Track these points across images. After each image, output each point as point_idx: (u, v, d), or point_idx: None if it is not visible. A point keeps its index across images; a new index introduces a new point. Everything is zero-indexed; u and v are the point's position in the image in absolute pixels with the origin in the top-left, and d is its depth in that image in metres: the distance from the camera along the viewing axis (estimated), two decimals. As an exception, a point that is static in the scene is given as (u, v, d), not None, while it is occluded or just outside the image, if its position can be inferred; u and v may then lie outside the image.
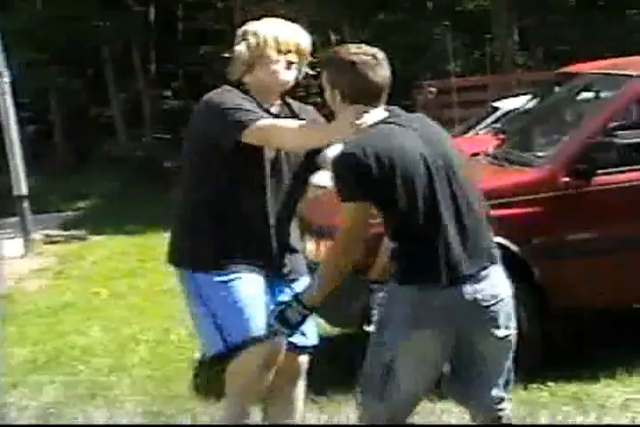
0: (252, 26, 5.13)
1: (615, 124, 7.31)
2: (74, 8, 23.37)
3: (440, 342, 4.52)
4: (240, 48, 5.04)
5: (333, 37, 23.08)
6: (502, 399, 4.66)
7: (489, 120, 12.63)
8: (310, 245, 7.37)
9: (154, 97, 27.04)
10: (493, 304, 4.51)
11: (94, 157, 25.22)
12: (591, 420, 6.16)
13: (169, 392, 7.32)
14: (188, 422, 6.63)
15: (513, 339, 4.67)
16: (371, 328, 4.93)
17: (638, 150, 7.30)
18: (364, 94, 4.56)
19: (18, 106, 15.61)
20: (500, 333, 4.56)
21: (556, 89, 9.04)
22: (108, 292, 11.23)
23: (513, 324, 4.64)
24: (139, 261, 13.08)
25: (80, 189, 22.02)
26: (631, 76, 7.48)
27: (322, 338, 7.89)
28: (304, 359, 5.44)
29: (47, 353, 8.77)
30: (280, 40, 5.06)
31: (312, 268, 7.24)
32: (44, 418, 6.98)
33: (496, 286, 4.55)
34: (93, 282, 11.99)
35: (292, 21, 5.14)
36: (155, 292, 10.91)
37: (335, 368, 7.29)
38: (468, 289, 4.44)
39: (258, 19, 5.11)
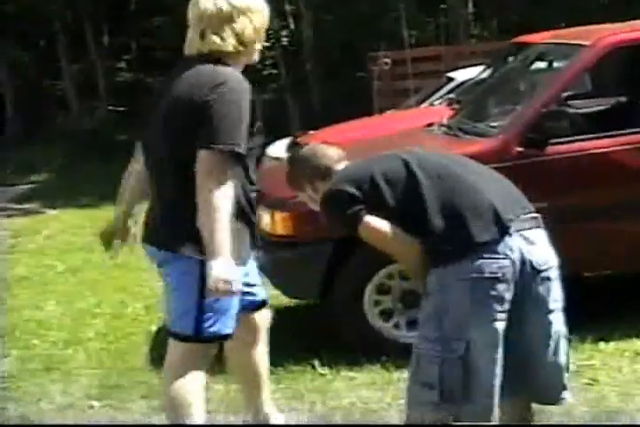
0: None
1: (567, 93, 7.36)
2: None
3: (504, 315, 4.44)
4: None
5: (288, 7, 22.95)
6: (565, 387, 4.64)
7: (443, 91, 12.69)
8: (265, 217, 7.42)
9: (107, 69, 26.89)
10: (545, 270, 4.48)
11: (46, 129, 25.08)
12: None
13: (124, 365, 7.35)
14: (144, 393, 6.61)
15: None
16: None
17: (591, 119, 7.38)
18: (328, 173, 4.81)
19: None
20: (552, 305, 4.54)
21: (510, 59, 9.10)
22: (62, 266, 11.21)
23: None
24: (93, 235, 12.96)
25: (32, 162, 21.97)
26: (582, 45, 7.51)
27: (278, 309, 8.01)
28: (261, 316, 5.54)
29: (2, 328, 8.68)
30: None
31: (266, 239, 7.32)
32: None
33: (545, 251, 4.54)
34: (48, 256, 11.98)
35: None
36: (109, 266, 10.76)
37: (292, 339, 7.35)
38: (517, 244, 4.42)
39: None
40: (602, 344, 6.74)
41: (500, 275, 4.30)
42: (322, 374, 6.84)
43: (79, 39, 25.86)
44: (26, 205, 16.56)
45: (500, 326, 4.36)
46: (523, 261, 4.38)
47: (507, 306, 4.36)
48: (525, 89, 8.06)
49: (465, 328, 4.33)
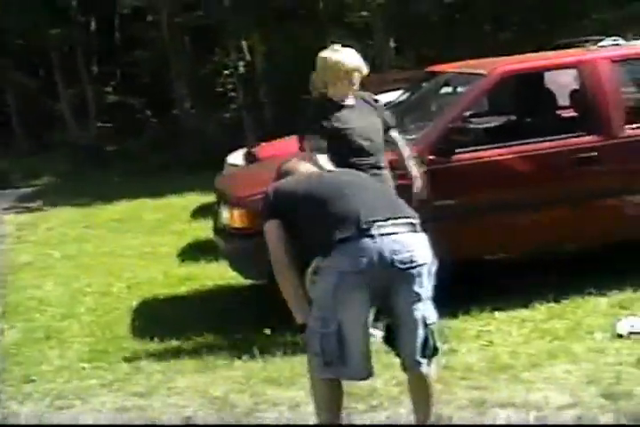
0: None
1: (468, 112, 7.40)
2: (28, 18, 23.09)
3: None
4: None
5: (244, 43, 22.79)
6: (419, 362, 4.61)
7: None
8: (226, 213, 7.42)
9: (97, 93, 26.78)
10: (411, 268, 4.52)
11: (47, 143, 24.92)
12: (449, 346, 6.19)
13: (111, 334, 7.32)
14: (127, 357, 6.61)
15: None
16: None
17: (487, 133, 7.44)
18: None
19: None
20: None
21: (424, 85, 9.12)
22: (60, 253, 11.11)
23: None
24: (85, 228, 13.05)
25: (35, 169, 21.63)
26: (481, 74, 7.54)
27: (236, 288, 8.06)
28: None
29: (8, 304, 8.69)
30: None
31: (227, 231, 7.33)
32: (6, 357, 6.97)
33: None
34: (47, 245, 11.85)
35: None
36: (99, 253, 10.91)
37: (247, 313, 7.39)
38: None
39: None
40: (496, 313, 6.72)
41: (357, 269, 4.35)
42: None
43: (73, 68, 25.73)
44: (30, 204, 16.42)
45: (363, 309, 4.48)
46: (386, 259, 4.40)
47: (366, 294, 4.44)
48: (435, 109, 8.08)
49: (335, 311, 4.42)
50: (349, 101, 6.41)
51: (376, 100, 6.74)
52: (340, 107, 6.34)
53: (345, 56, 6.34)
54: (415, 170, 6.59)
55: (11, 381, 6.39)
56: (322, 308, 4.50)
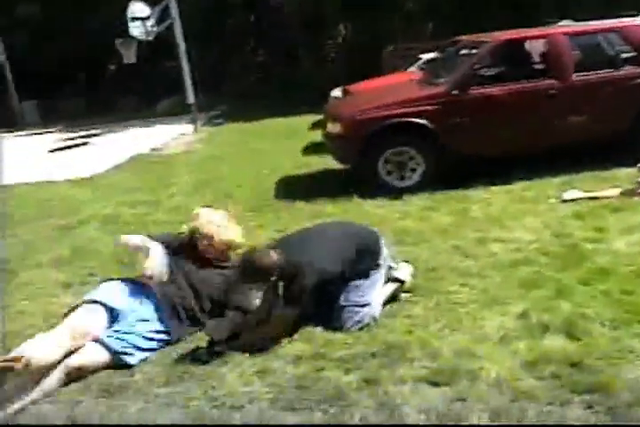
0: None
1: (478, 65, 7.35)
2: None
3: None
4: None
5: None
6: None
7: (418, 63, 12.53)
8: (330, 125, 7.39)
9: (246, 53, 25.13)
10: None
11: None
12: (464, 206, 6.18)
13: (264, 196, 7.26)
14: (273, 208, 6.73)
15: None
16: None
17: (490, 78, 7.39)
18: None
19: None
20: None
21: (450, 48, 9.01)
22: (232, 150, 11.01)
23: None
24: (245, 136, 12.86)
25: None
26: (487, 41, 7.47)
27: (335, 171, 8.06)
28: None
29: (204, 179, 8.64)
30: None
31: (330, 135, 7.42)
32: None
33: None
34: (224, 145, 11.79)
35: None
36: (253, 150, 10.68)
37: (339, 185, 7.38)
38: None
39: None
40: (492, 187, 6.63)
41: None
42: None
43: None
44: (215, 120, 16.13)
45: None
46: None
47: None
48: (458, 63, 7.99)
49: None
50: None
51: None
52: None
53: None
54: None
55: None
56: None
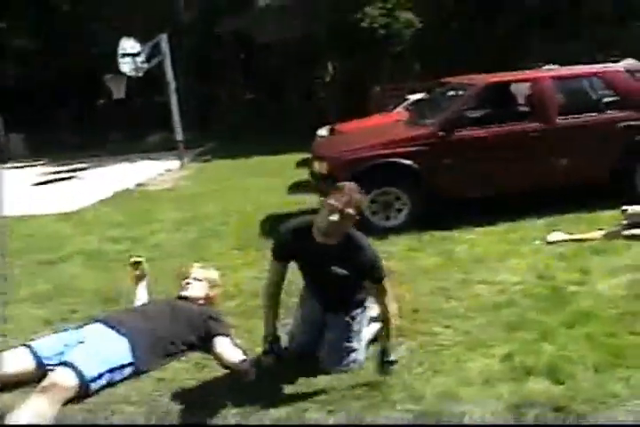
0: None
1: (464, 107, 7.43)
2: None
3: None
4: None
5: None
6: None
7: (404, 104, 12.69)
8: (317, 165, 7.51)
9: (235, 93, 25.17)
10: None
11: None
12: (449, 247, 6.20)
13: (248, 234, 7.19)
14: (257, 247, 6.48)
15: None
16: None
17: (476, 120, 7.46)
18: None
19: None
20: None
21: (437, 89, 9.12)
22: (216, 187, 11.12)
23: None
24: (231, 171, 13.13)
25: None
26: (474, 84, 7.58)
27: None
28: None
29: (189, 216, 8.68)
30: None
31: (317, 175, 7.41)
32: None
33: None
34: (210, 182, 11.91)
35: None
36: (238, 187, 10.74)
37: None
38: None
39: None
40: (476, 228, 6.64)
41: None
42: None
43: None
44: (203, 157, 16.60)
45: None
46: None
47: None
48: (444, 104, 8.09)
49: None
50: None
51: None
52: None
53: None
54: None
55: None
56: None
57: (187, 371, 3.86)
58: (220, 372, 3.80)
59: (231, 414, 3.33)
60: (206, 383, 3.70)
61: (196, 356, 4.04)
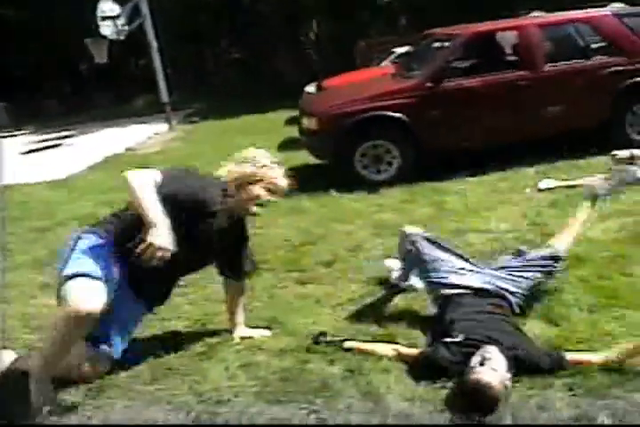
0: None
1: (451, 58, 7.40)
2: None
3: None
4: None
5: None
6: None
7: (391, 57, 12.58)
8: (306, 121, 7.53)
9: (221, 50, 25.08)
10: None
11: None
12: (442, 198, 6.28)
13: None
14: None
15: None
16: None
17: (464, 71, 7.46)
18: None
19: None
20: None
21: (423, 42, 9.06)
22: (208, 148, 10.93)
23: None
24: (224, 131, 13.17)
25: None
26: (458, 34, 7.55)
27: (312, 165, 8.02)
28: None
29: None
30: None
31: (306, 131, 7.37)
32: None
33: None
34: (201, 142, 11.91)
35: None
36: (232, 145, 10.76)
37: (320, 178, 7.39)
38: None
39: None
40: (468, 178, 6.70)
41: None
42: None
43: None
44: (188, 118, 16.52)
45: None
46: None
47: None
48: (431, 56, 8.06)
49: None
50: None
51: None
52: None
53: None
54: None
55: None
56: None
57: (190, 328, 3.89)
58: (223, 327, 3.85)
59: (234, 366, 3.38)
60: (207, 335, 3.74)
61: (197, 313, 4.11)
